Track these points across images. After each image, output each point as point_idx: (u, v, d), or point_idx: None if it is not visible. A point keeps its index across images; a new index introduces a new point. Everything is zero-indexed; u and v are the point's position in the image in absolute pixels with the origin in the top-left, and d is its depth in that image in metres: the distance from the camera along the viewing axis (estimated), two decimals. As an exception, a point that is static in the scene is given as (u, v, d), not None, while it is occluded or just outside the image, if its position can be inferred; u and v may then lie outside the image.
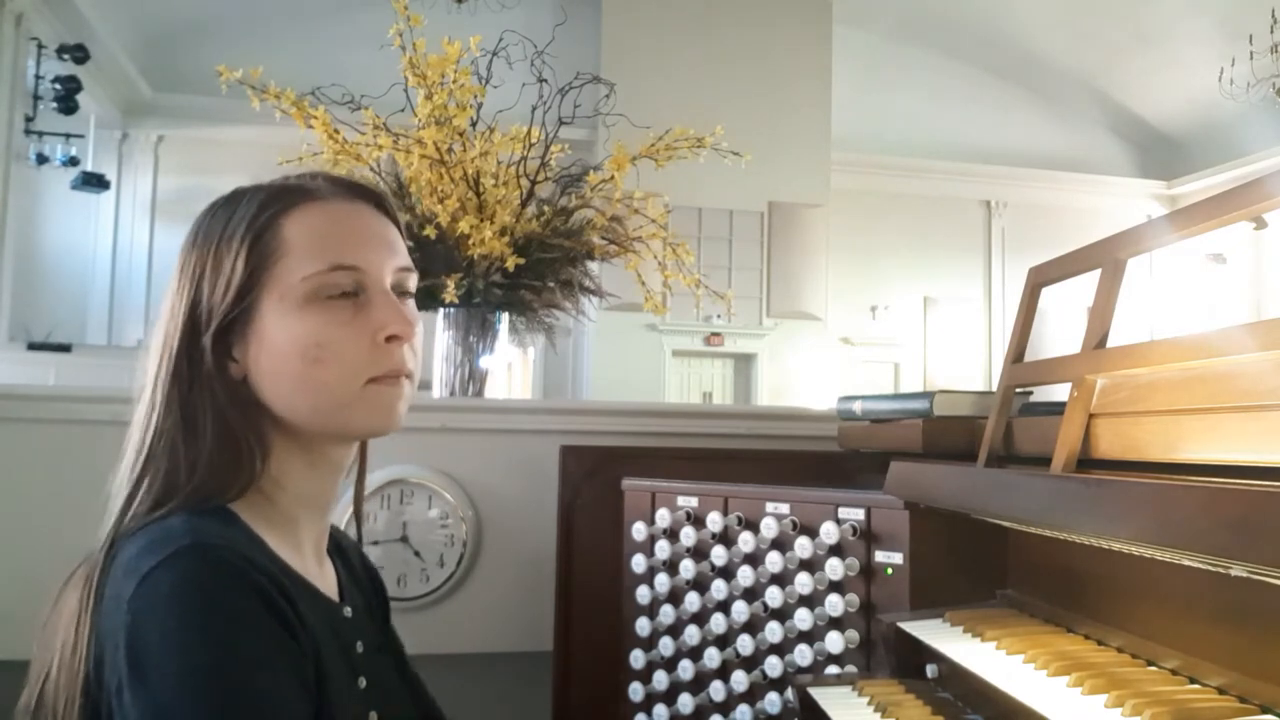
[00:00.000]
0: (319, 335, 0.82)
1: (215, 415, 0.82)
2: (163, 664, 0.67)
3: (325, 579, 0.91)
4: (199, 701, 0.66)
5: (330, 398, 0.84)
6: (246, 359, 0.84)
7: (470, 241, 1.93)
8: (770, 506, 1.33)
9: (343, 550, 1.00)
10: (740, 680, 1.33)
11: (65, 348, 7.24)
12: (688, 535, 1.42)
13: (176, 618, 0.68)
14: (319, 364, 0.82)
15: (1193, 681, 0.83)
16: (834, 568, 1.24)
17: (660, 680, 1.43)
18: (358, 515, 1.04)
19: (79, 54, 7.72)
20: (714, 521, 1.38)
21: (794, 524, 1.30)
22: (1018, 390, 1.20)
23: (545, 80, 2.02)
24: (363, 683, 0.88)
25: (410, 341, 0.87)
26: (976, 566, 1.21)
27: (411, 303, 0.90)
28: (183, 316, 0.83)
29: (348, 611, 0.91)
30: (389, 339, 0.85)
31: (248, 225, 0.83)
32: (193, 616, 0.69)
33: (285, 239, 0.84)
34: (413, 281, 0.91)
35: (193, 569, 0.71)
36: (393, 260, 0.88)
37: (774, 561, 1.30)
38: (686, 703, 1.39)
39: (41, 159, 8.17)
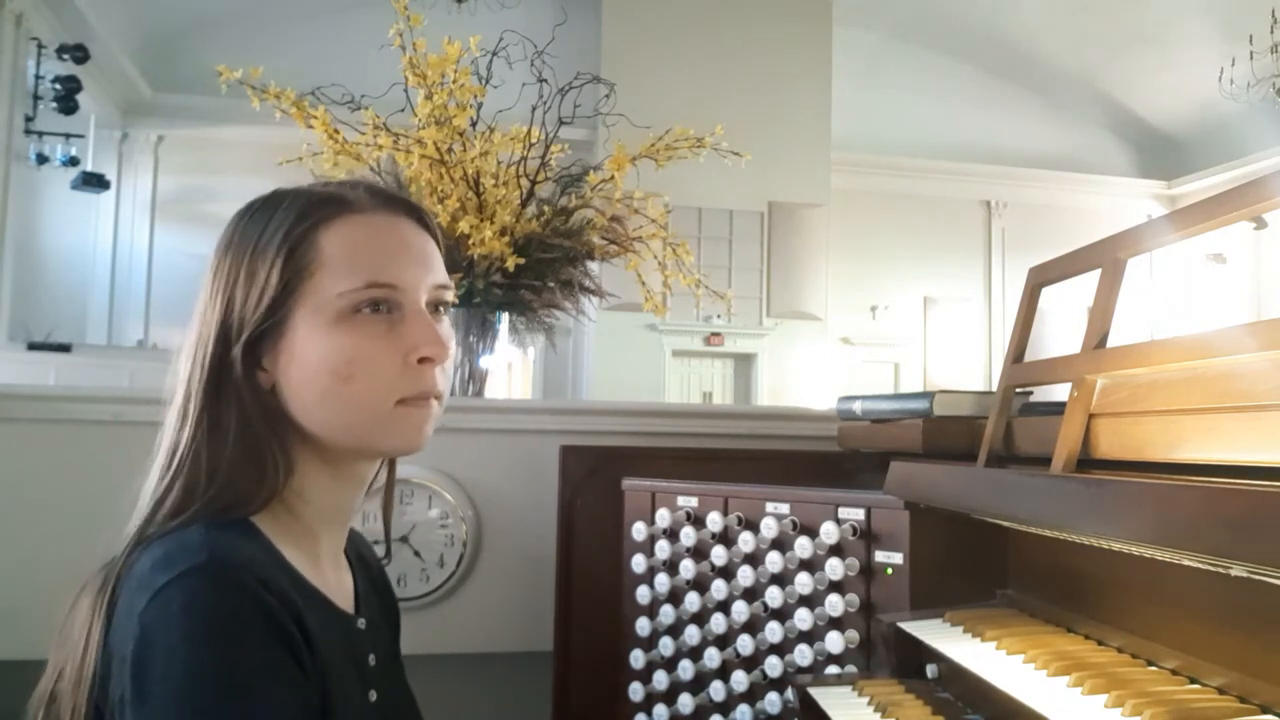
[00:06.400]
0: (351, 353, 0.81)
1: (241, 425, 0.81)
2: (165, 685, 0.67)
3: (341, 590, 0.90)
4: None
5: (358, 416, 0.83)
6: (276, 370, 0.83)
7: (470, 241, 1.93)
8: (770, 506, 1.33)
9: (363, 558, 1.00)
10: (740, 680, 1.33)
11: (65, 348, 7.23)
12: (688, 535, 1.42)
13: (183, 639, 0.68)
14: (349, 382, 0.81)
15: (1193, 681, 0.83)
16: (834, 568, 1.24)
17: (660, 680, 1.43)
18: (387, 527, 1.03)
19: (79, 54, 7.71)
20: (714, 521, 1.38)
21: (794, 524, 1.30)
22: (1018, 390, 1.20)
23: (545, 80, 2.02)
24: (373, 696, 0.87)
25: (442, 363, 0.86)
26: (976, 566, 1.21)
27: (446, 320, 0.89)
28: (216, 324, 0.82)
29: (361, 623, 0.90)
30: (421, 360, 0.83)
31: (284, 236, 0.82)
32: (199, 639, 0.68)
33: (321, 252, 0.82)
34: (449, 297, 0.89)
35: (204, 589, 0.70)
36: (429, 277, 0.87)
37: (774, 561, 1.30)
38: (686, 703, 1.39)
39: (41, 159, 8.16)
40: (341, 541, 0.92)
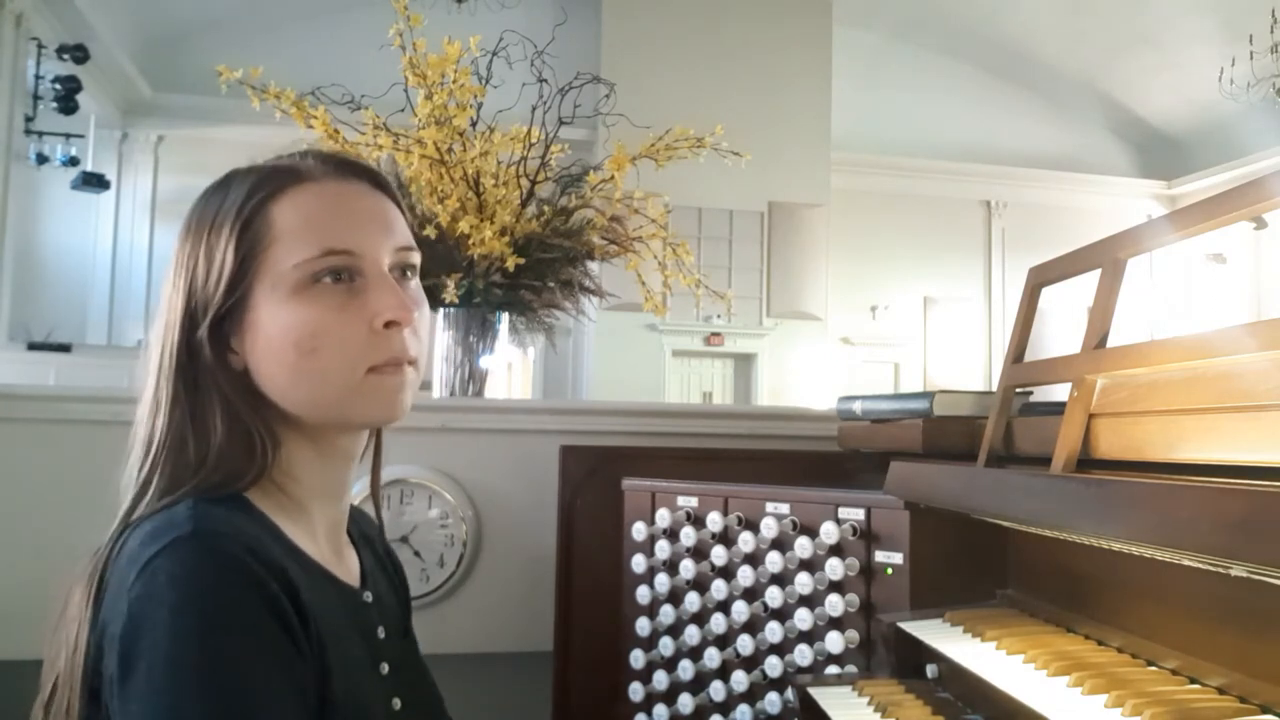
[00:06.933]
0: (313, 325, 0.79)
1: (224, 407, 0.80)
2: (151, 657, 0.66)
3: (344, 565, 0.89)
4: (184, 699, 0.65)
5: (328, 389, 0.81)
6: (244, 350, 0.82)
7: (470, 241, 1.93)
8: (770, 506, 1.33)
9: (367, 536, 0.99)
10: (740, 680, 1.33)
11: (65, 348, 7.24)
12: (688, 535, 1.42)
13: (171, 611, 0.67)
14: (314, 354, 0.80)
15: (1193, 681, 0.83)
16: (834, 568, 1.24)
17: (660, 680, 1.43)
18: (376, 502, 1.02)
19: (79, 54, 7.71)
20: (714, 521, 1.38)
21: (794, 524, 1.30)
22: (1018, 390, 1.20)
23: (545, 80, 2.02)
24: (384, 669, 0.86)
25: (410, 325, 0.83)
26: (976, 566, 1.21)
27: (415, 284, 0.87)
28: (180, 308, 0.81)
29: (368, 597, 0.89)
30: (387, 325, 0.81)
31: (237, 212, 0.81)
32: (186, 610, 0.67)
33: (274, 225, 0.81)
34: (415, 259, 0.87)
35: (191, 559, 0.69)
36: (390, 240, 0.84)
37: (774, 561, 1.30)
38: (686, 703, 1.39)
39: (41, 159, 8.17)
40: (340, 518, 0.91)
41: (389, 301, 0.81)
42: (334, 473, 0.88)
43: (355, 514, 0.97)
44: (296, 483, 0.84)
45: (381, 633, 0.88)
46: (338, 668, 0.76)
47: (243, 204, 0.82)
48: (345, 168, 0.87)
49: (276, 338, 0.80)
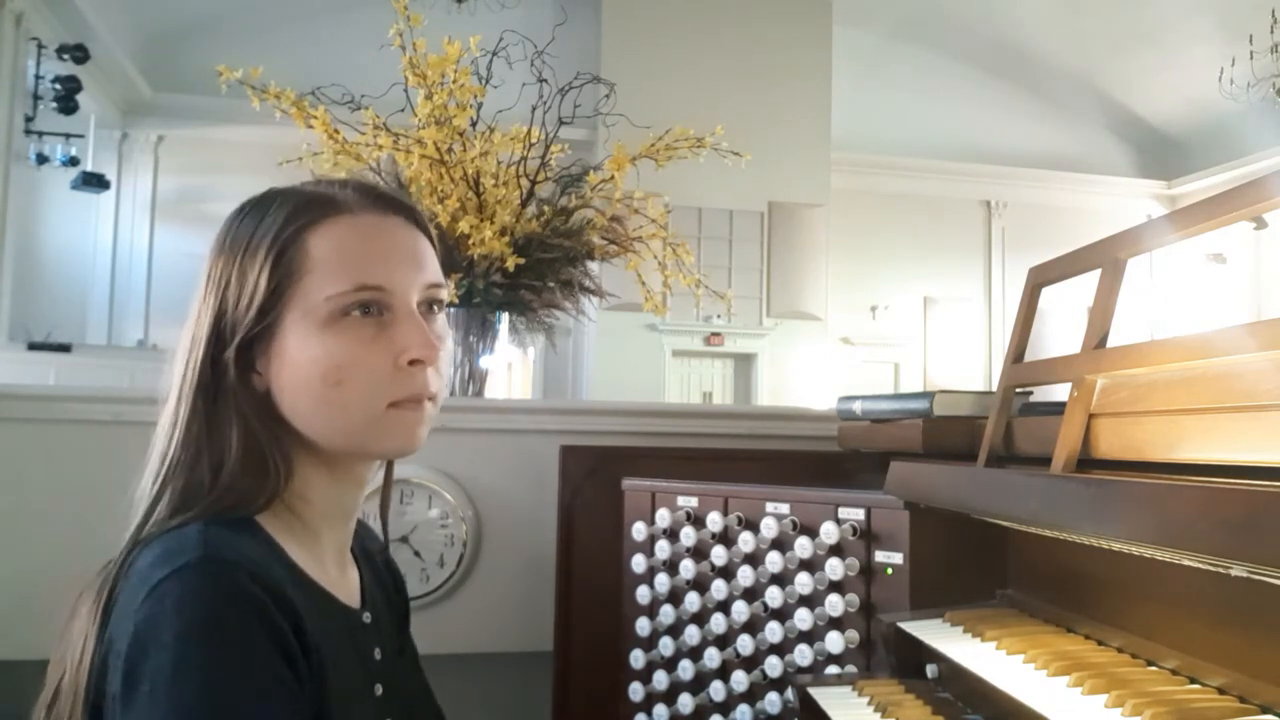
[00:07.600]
0: (340, 356, 0.81)
1: (242, 428, 0.81)
2: (153, 680, 0.67)
3: (346, 585, 0.90)
4: None
5: (350, 420, 0.82)
6: (269, 373, 0.83)
7: (470, 241, 1.93)
8: (770, 506, 1.33)
9: (368, 551, 1.00)
10: (740, 680, 1.33)
11: (65, 348, 7.23)
12: (688, 535, 1.42)
13: (175, 634, 0.68)
14: (339, 385, 0.81)
15: (1193, 681, 0.83)
16: (834, 568, 1.24)
17: (660, 680, 1.43)
18: (384, 528, 1.03)
19: (79, 54, 7.71)
20: (714, 521, 1.38)
21: (794, 524, 1.30)
22: (1018, 390, 1.20)
23: (545, 80, 2.02)
24: (379, 690, 0.87)
25: (434, 364, 0.85)
26: (976, 566, 1.21)
27: (441, 319, 0.89)
28: (208, 326, 0.82)
29: (366, 618, 0.90)
30: (411, 362, 0.83)
31: (273, 238, 0.82)
32: (190, 635, 0.68)
33: (310, 255, 0.82)
34: (443, 295, 0.89)
35: (199, 585, 0.70)
36: (421, 277, 0.86)
37: (774, 561, 1.30)
38: (686, 703, 1.39)
39: (41, 159, 8.16)
40: (347, 539, 0.92)
41: (416, 339, 0.83)
42: (346, 497, 0.89)
43: (358, 528, 0.98)
44: (309, 506, 0.85)
45: (378, 654, 0.89)
46: (335, 694, 0.77)
47: (279, 230, 0.82)
48: (382, 201, 0.88)
49: (303, 366, 0.81)
